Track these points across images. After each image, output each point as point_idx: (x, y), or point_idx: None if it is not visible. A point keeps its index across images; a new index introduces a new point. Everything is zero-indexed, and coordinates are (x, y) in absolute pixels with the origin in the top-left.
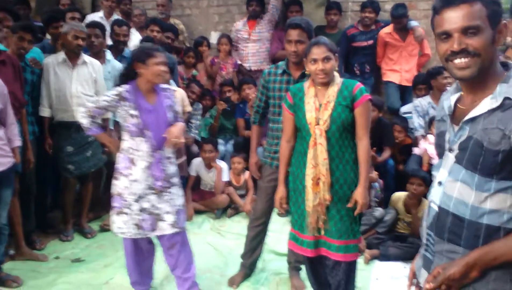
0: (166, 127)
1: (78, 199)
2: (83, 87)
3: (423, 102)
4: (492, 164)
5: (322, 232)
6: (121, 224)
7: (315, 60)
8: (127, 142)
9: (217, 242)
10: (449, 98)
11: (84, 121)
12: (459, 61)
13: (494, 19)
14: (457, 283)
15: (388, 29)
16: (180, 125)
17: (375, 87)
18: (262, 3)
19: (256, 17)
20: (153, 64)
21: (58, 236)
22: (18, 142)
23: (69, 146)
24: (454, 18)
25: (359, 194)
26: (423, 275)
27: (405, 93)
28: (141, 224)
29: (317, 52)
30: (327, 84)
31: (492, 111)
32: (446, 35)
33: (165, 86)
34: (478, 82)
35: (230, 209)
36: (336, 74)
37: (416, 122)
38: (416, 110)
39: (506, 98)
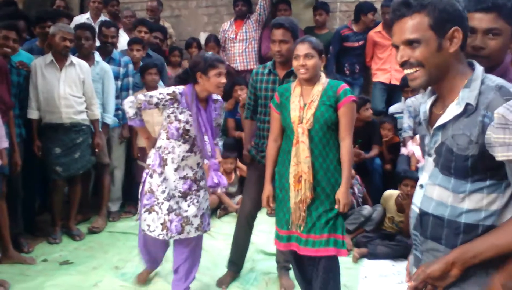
0: (210, 137)
1: (67, 201)
2: (71, 89)
3: (416, 102)
4: (463, 168)
5: (302, 228)
6: (150, 221)
7: (297, 56)
8: (162, 141)
9: (207, 243)
10: (426, 102)
11: (130, 111)
12: (407, 71)
13: (440, 27)
14: (439, 281)
15: (378, 28)
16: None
17: (364, 87)
18: (249, 3)
19: (243, 17)
20: (214, 75)
21: (46, 238)
22: (4, 144)
23: (57, 148)
24: (398, 31)
25: (341, 194)
26: None
27: (395, 92)
28: (167, 225)
29: (300, 48)
30: (312, 82)
31: (457, 117)
32: (396, 47)
33: (216, 98)
34: (442, 88)
35: (219, 210)
36: (322, 74)
37: (406, 123)
38: (408, 110)
39: (467, 104)
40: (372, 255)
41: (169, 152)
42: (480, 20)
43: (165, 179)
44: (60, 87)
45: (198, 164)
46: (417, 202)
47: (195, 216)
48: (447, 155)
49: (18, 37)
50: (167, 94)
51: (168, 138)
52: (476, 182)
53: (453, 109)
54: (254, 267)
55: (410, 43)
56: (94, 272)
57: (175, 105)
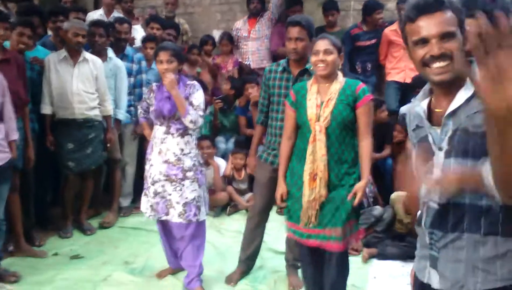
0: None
1: (78, 196)
2: (84, 85)
3: None
4: (481, 146)
5: (310, 225)
6: (146, 204)
7: (317, 52)
8: (153, 130)
9: (216, 239)
10: (420, 105)
11: (138, 111)
12: (437, 65)
13: (462, 26)
14: None
15: (393, 26)
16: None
17: (377, 86)
18: (262, 1)
19: (257, 15)
20: (157, 62)
21: (57, 232)
22: (14, 136)
23: (70, 143)
24: (431, 24)
25: (360, 188)
26: (432, 274)
27: (409, 91)
28: (155, 207)
29: (320, 44)
30: (329, 80)
31: (468, 100)
32: (423, 42)
33: (190, 82)
34: (452, 84)
35: (229, 207)
36: (339, 72)
37: None
38: None
39: None
40: (381, 256)
41: (154, 138)
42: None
43: (151, 165)
44: (73, 83)
45: (182, 150)
46: (435, 198)
47: (177, 203)
48: (462, 138)
49: (33, 33)
50: (148, 88)
51: (153, 124)
52: None
53: (462, 94)
54: (263, 265)
55: (446, 36)
56: (104, 267)
57: (152, 94)
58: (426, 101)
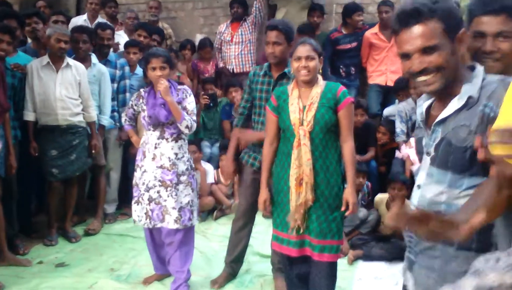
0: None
1: (63, 203)
2: (67, 91)
3: (407, 107)
4: (461, 160)
5: (302, 231)
6: (139, 212)
7: (299, 58)
8: (143, 137)
9: (202, 244)
10: (421, 105)
11: (122, 119)
12: (422, 79)
13: (451, 31)
14: None
15: (374, 29)
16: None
17: (361, 89)
18: (245, 5)
19: (239, 20)
20: (149, 68)
21: (42, 240)
22: None
23: (53, 150)
24: (411, 39)
25: (349, 194)
26: (409, 277)
27: (390, 94)
28: (150, 214)
29: (302, 50)
30: (310, 84)
31: (459, 110)
32: (406, 56)
33: (181, 87)
34: (447, 89)
35: (216, 211)
36: (319, 76)
37: (399, 127)
38: (399, 115)
39: (469, 97)
40: (367, 257)
41: (146, 144)
42: (489, 23)
43: (144, 172)
44: (56, 89)
45: (176, 154)
46: (414, 201)
47: (173, 208)
48: (445, 149)
49: (12, 40)
50: (136, 94)
51: (144, 131)
52: (473, 177)
53: (455, 103)
54: (249, 268)
55: (427, 50)
56: (90, 274)
57: (141, 101)
58: (428, 102)
